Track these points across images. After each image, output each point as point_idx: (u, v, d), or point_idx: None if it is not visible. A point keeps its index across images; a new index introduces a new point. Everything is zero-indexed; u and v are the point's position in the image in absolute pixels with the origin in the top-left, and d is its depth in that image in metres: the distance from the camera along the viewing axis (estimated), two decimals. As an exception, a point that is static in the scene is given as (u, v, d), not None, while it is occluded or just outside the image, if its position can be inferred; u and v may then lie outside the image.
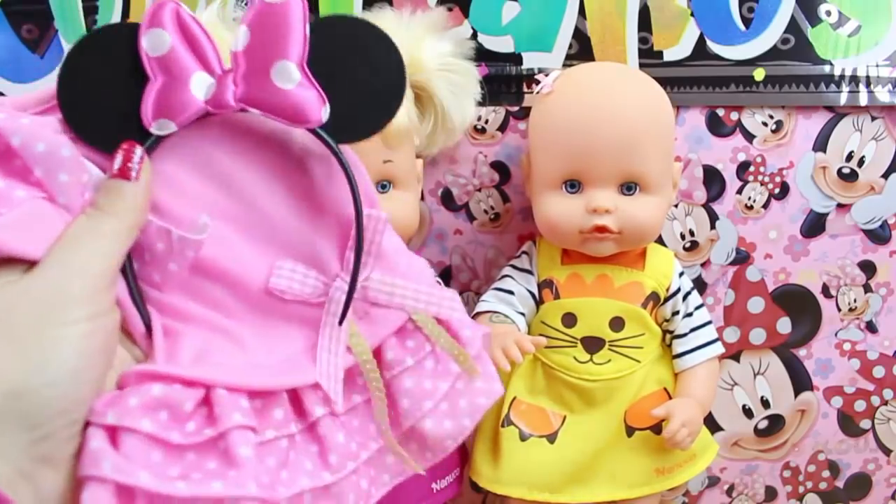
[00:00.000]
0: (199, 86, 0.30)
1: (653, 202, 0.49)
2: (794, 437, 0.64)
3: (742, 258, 0.61)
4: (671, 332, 0.53)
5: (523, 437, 0.51)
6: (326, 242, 0.33)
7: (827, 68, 0.57)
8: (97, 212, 0.29)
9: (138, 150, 0.30)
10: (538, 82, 0.52)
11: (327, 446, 0.32)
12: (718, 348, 0.53)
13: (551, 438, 0.51)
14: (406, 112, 0.48)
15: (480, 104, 0.54)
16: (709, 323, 0.54)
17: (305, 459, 0.31)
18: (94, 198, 0.29)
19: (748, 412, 0.64)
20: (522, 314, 0.53)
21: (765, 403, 0.64)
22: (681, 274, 0.54)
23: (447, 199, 0.60)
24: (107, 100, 0.30)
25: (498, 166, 0.59)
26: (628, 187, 0.49)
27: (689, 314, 0.53)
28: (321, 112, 0.31)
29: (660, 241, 0.59)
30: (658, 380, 0.52)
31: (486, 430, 0.53)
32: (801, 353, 0.63)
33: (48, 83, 0.57)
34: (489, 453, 0.52)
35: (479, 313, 0.53)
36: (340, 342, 0.33)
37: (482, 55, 0.56)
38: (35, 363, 0.25)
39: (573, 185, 0.50)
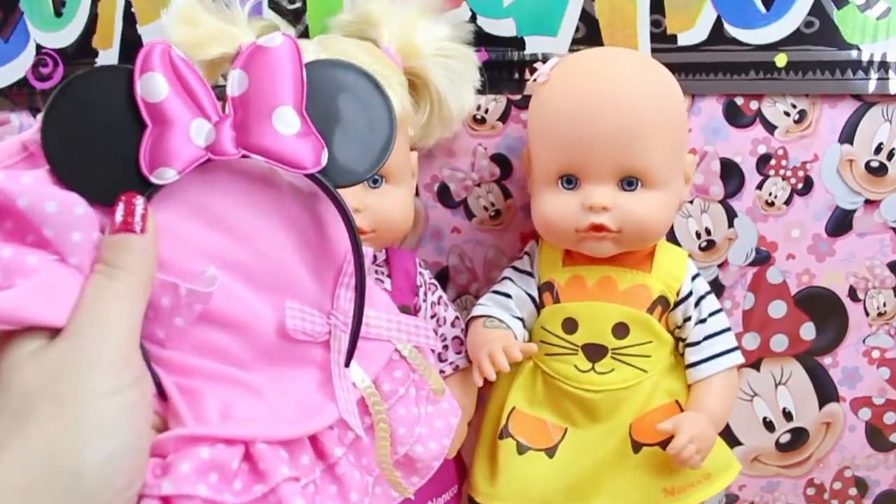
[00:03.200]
0: (199, 132, 0.31)
1: (657, 198, 0.48)
2: (818, 452, 0.64)
3: (762, 259, 0.61)
4: (683, 340, 0.52)
5: (521, 451, 0.50)
6: (318, 280, 0.35)
7: (854, 53, 0.57)
8: (110, 269, 0.29)
9: (140, 201, 0.30)
10: (536, 70, 0.52)
11: (347, 486, 0.35)
12: (737, 358, 0.52)
13: (550, 452, 0.51)
14: (400, 101, 0.48)
15: (480, 92, 0.54)
16: (727, 330, 0.53)
17: (328, 501, 0.34)
18: (102, 254, 0.29)
19: (769, 425, 0.63)
20: (520, 319, 0.52)
21: (787, 416, 0.63)
22: (695, 276, 0.53)
23: (444, 195, 0.60)
24: (102, 148, 0.30)
25: (499, 159, 0.59)
26: (629, 182, 0.48)
27: (703, 320, 0.52)
28: (321, 157, 0.32)
29: (673, 240, 0.59)
30: (669, 391, 0.51)
31: (486, 442, 0.53)
32: (827, 361, 0.62)
33: (13, 69, 0.57)
34: (487, 467, 0.52)
35: (473, 317, 0.53)
36: (348, 378, 0.35)
37: (482, 39, 0.56)
38: (91, 437, 0.26)
39: (570, 181, 0.49)
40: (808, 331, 0.62)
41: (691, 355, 0.52)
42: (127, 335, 0.29)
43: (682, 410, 0.51)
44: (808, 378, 0.63)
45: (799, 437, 0.64)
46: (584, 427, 0.51)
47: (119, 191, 0.30)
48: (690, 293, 0.52)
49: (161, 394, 0.32)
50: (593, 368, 0.50)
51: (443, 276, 0.61)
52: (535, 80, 0.51)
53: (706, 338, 0.51)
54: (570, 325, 0.51)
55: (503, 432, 0.51)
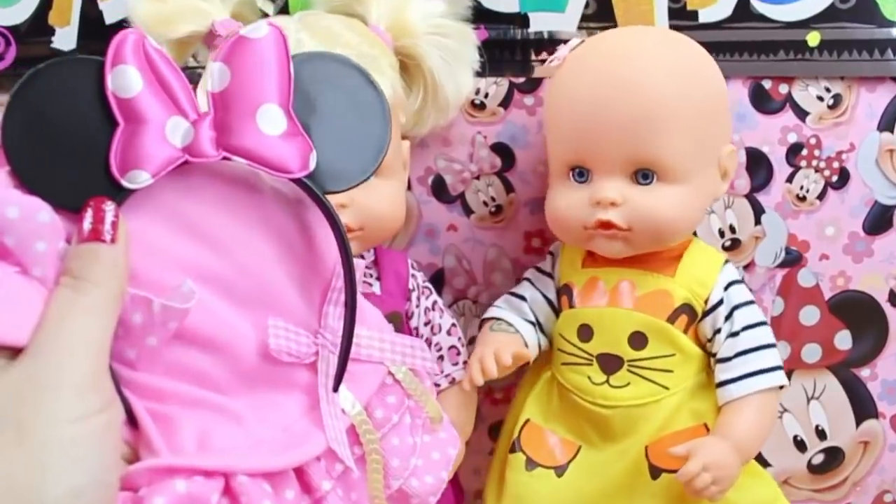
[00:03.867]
0: (175, 132, 0.30)
1: (675, 193, 0.47)
2: (855, 475, 0.63)
3: (793, 259, 0.60)
4: (714, 356, 0.50)
5: (529, 467, 0.50)
6: (304, 295, 0.34)
7: (895, 31, 0.56)
8: (76, 281, 0.28)
9: (110, 207, 0.29)
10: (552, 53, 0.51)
11: None
12: (776, 379, 0.49)
13: (560, 471, 0.50)
14: (390, 84, 0.47)
15: (479, 74, 0.54)
16: (767, 347, 0.49)
17: None
18: (68, 265, 0.29)
19: (800, 444, 0.62)
20: (533, 323, 0.52)
21: (820, 434, 0.62)
22: (731, 284, 0.50)
23: (439, 189, 0.59)
24: (68, 148, 0.30)
25: (500, 149, 0.58)
26: (644, 175, 0.47)
27: (735, 334, 0.49)
28: (309, 160, 0.32)
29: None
30: (696, 413, 0.49)
31: (500, 456, 0.53)
32: (864, 373, 0.61)
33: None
34: (497, 481, 0.52)
35: (484, 319, 0.53)
36: (337, 404, 0.35)
37: (481, 16, 0.55)
38: (54, 469, 0.25)
39: (581, 174, 0.48)
40: (843, 340, 0.61)
41: (721, 373, 0.49)
42: (95, 355, 0.28)
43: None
44: (844, 392, 0.61)
45: (833, 457, 0.62)
46: (598, 446, 0.50)
47: (87, 195, 0.29)
48: (721, 302, 0.50)
49: (131, 421, 0.31)
50: (607, 381, 0.49)
51: (438, 279, 0.60)
52: (550, 63, 0.50)
53: (738, 354, 0.49)
54: (586, 333, 0.50)
55: (514, 445, 0.51)
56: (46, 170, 0.29)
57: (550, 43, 0.55)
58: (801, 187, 0.58)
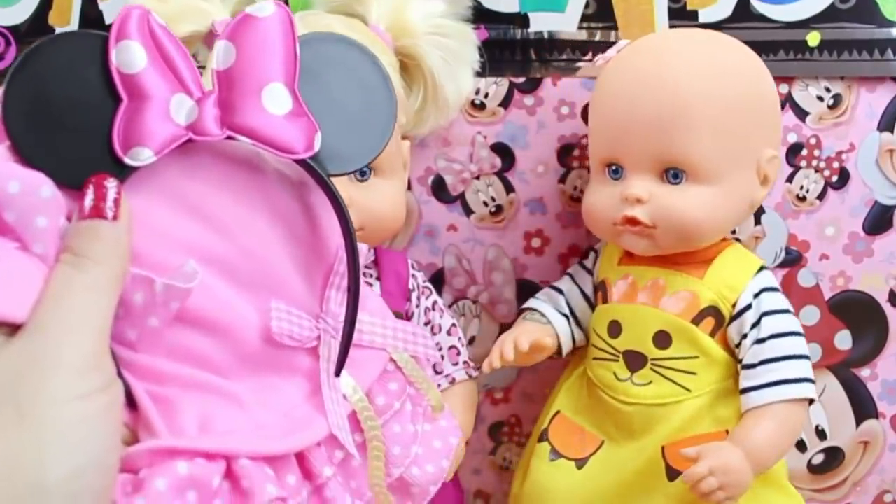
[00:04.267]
0: (179, 109, 0.30)
1: (704, 194, 0.46)
2: (855, 475, 0.62)
3: (793, 259, 0.59)
4: (741, 362, 0.49)
5: (552, 457, 0.51)
6: (307, 279, 0.34)
7: (894, 32, 0.56)
8: (77, 259, 0.28)
9: (113, 184, 0.29)
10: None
11: None
12: (802, 391, 0.47)
13: (580, 464, 0.50)
14: None
15: (479, 74, 0.54)
16: (795, 357, 0.48)
17: None
18: (68, 242, 0.28)
19: (800, 444, 0.62)
20: (567, 316, 0.53)
21: (820, 434, 0.62)
22: (763, 291, 0.49)
23: (439, 189, 0.59)
24: (70, 123, 0.29)
25: (500, 149, 0.58)
26: (674, 174, 0.47)
27: (761, 340, 0.47)
28: (314, 141, 0.31)
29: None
30: (719, 419, 0.48)
31: (531, 443, 0.54)
32: (864, 373, 0.61)
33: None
34: (525, 467, 0.53)
35: (522, 310, 0.55)
36: (338, 390, 0.34)
37: (481, 16, 0.55)
38: (54, 449, 0.25)
39: (616, 171, 0.49)
40: (843, 340, 0.61)
41: (745, 380, 0.48)
42: (96, 334, 0.27)
43: None
44: (844, 392, 0.61)
45: (833, 457, 0.62)
46: (618, 443, 0.50)
47: (89, 172, 0.29)
48: (749, 307, 0.48)
49: (131, 403, 0.30)
50: (631, 378, 0.49)
51: (438, 279, 0.60)
52: (596, 62, 0.51)
53: (763, 362, 0.47)
54: (615, 329, 0.50)
55: (543, 434, 0.52)
56: (48, 146, 0.29)
57: (550, 43, 0.55)
58: (801, 187, 0.58)
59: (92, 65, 0.29)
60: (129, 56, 0.29)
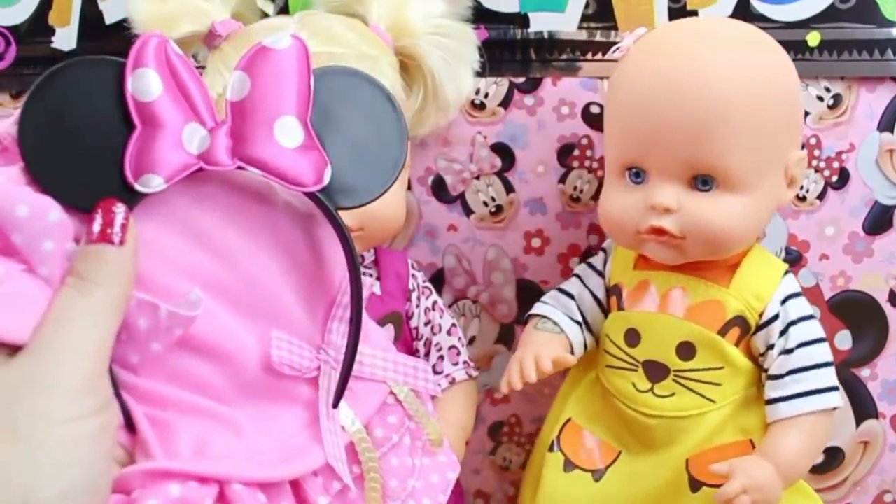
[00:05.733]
0: (192, 138, 0.30)
1: (737, 203, 0.44)
2: (855, 475, 0.63)
3: (793, 259, 0.59)
4: (766, 372, 0.47)
5: (567, 468, 0.49)
6: (309, 310, 0.34)
7: (894, 32, 0.55)
8: (82, 282, 0.28)
9: (121, 210, 0.29)
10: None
11: None
12: (830, 401, 0.46)
13: (597, 476, 0.49)
14: (390, 85, 0.47)
15: (479, 74, 0.54)
16: (823, 366, 0.47)
17: None
18: (74, 266, 0.29)
19: None
20: (579, 323, 0.51)
21: None
22: (789, 297, 0.47)
23: (439, 189, 0.59)
24: (83, 148, 0.30)
25: (500, 149, 0.58)
26: (704, 181, 0.44)
27: (789, 350, 0.46)
28: (323, 175, 0.32)
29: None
30: (743, 428, 0.47)
31: (538, 456, 0.52)
32: (864, 373, 0.61)
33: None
34: (533, 481, 0.51)
35: (530, 315, 0.52)
36: (337, 420, 0.35)
37: (481, 16, 0.55)
38: (43, 470, 0.25)
39: (637, 175, 0.46)
40: (843, 340, 0.61)
41: (771, 390, 0.47)
42: (94, 357, 0.28)
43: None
44: (844, 392, 0.60)
45: (833, 457, 0.62)
46: (638, 454, 0.49)
47: (100, 196, 0.29)
48: (776, 317, 0.47)
49: (130, 425, 0.31)
50: (652, 390, 0.47)
51: (438, 279, 0.60)
52: (612, 53, 0.48)
53: (791, 372, 0.46)
54: (633, 337, 0.48)
55: (554, 444, 0.50)
56: (60, 169, 0.29)
57: (550, 43, 0.55)
58: (801, 187, 0.57)
59: (108, 91, 0.30)
60: (145, 84, 0.29)
